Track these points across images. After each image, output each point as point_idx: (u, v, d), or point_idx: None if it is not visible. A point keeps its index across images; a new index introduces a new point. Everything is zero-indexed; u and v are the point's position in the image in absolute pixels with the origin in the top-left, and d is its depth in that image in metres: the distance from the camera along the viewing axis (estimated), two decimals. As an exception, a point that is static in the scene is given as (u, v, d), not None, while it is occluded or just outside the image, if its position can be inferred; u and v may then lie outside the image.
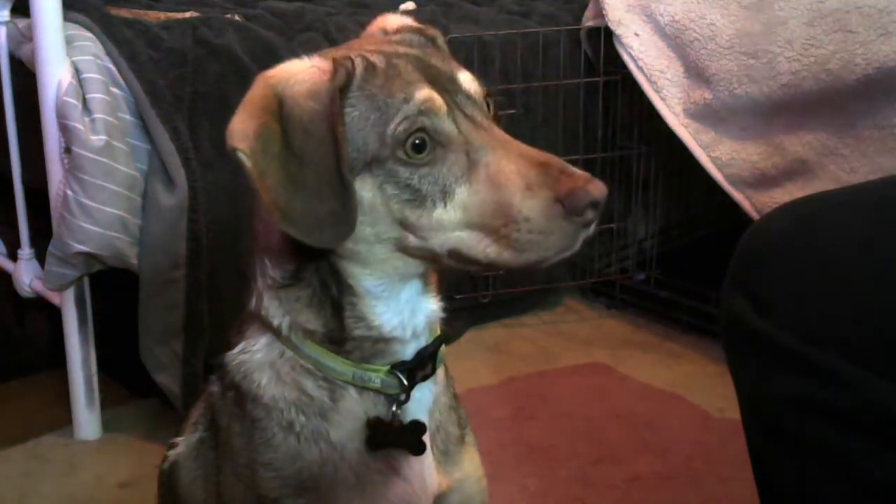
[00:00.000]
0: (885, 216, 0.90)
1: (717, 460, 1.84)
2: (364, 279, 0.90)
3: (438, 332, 0.99)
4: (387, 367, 0.93)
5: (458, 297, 2.40)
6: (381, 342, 0.93)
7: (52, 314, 2.02)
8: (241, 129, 0.83)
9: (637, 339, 2.47)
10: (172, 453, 1.10)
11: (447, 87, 0.87)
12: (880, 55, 1.93)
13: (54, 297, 1.91)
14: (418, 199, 0.84)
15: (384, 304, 0.92)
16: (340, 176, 0.82)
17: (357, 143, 0.84)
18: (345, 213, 0.83)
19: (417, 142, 0.84)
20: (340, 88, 0.84)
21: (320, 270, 0.91)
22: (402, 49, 0.91)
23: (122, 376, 2.17)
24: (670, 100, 2.29)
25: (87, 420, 1.95)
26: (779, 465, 0.95)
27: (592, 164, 2.56)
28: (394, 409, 0.94)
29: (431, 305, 0.96)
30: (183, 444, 1.09)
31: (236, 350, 0.98)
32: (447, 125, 0.85)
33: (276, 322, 0.94)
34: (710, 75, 2.19)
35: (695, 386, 2.17)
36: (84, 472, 1.85)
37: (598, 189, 0.82)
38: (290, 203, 0.82)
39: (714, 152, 2.24)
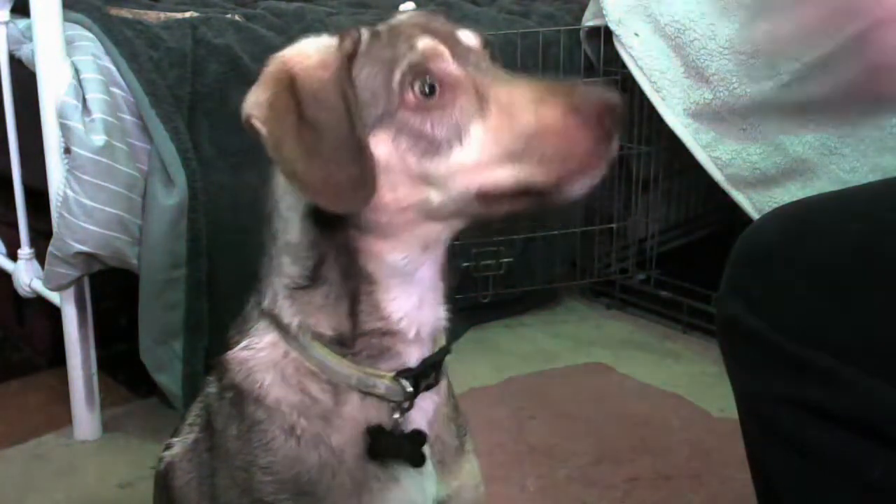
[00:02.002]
0: (880, 218, 0.90)
1: (717, 460, 1.84)
2: (386, 257, 0.90)
3: (443, 343, 0.99)
4: (392, 374, 0.93)
5: (458, 297, 2.40)
6: (388, 336, 0.92)
7: (52, 314, 2.02)
8: (255, 99, 0.86)
9: (637, 339, 2.47)
10: (167, 454, 1.09)
11: (448, 40, 0.89)
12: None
13: (54, 297, 1.91)
14: (434, 145, 0.84)
15: (399, 287, 0.91)
16: (356, 139, 0.83)
17: (367, 100, 0.85)
18: (363, 175, 0.83)
19: (426, 86, 0.85)
20: (348, 56, 0.86)
21: (340, 259, 0.90)
22: (405, 19, 0.94)
23: (122, 376, 2.18)
24: (670, 100, 2.29)
25: (87, 420, 1.95)
26: (776, 466, 0.95)
27: (592, 164, 2.56)
28: (396, 416, 0.93)
29: (439, 309, 0.96)
30: (178, 445, 1.08)
31: (238, 348, 0.97)
32: (452, 67, 0.86)
33: (286, 321, 0.93)
34: (710, 75, 2.19)
35: (695, 386, 2.17)
36: (84, 472, 1.85)
37: (612, 95, 0.81)
38: (308, 172, 0.83)
39: (714, 152, 2.24)
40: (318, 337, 0.92)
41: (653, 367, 2.29)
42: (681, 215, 2.87)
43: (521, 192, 0.84)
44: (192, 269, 1.78)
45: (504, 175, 0.84)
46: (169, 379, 1.85)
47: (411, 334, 0.93)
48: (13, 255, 2.05)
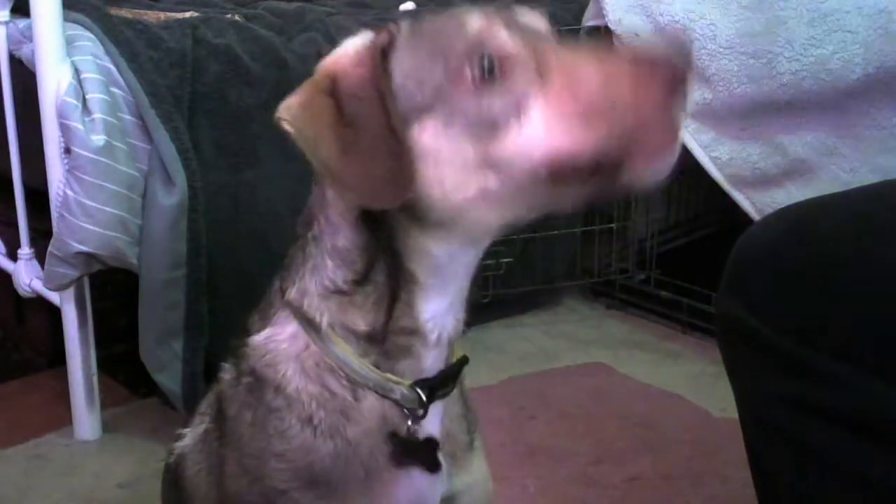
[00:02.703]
0: (879, 219, 0.90)
1: (717, 460, 1.84)
2: (433, 249, 0.88)
3: (461, 353, 1.00)
4: (409, 382, 0.93)
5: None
6: (412, 334, 0.92)
7: (52, 314, 2.02)
8: (287, 102, 0.85)
9: (637, 339, 2.47)
10: (178, 445, 1.09)
11: (505, 19, 0.84)
12: (880, 55, 1.93)
13: (54, 297, 1.91)
14: (493, 126, 0.79)
15: (435, 289, 0.91)
16: (393, 132, 0.80)
17: (410, 90, 0.82)
18: (401, 168, 0.80)
19: (484, 64, 0.79)
20: (383, 49, 0.84)
21: (388, 262, 0.89)
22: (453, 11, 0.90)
23: (122, 376, 2.18)
24: (670, 100, 2.29)
25: (87, 420, 1.95)
26: (777, 467, 0.95)
27: (592, 164, 2.56)
28: (409, 423, 0.93)
29: (461, 314, 0.96)
30: (189, 435, 1.08)
31: (261, 336, 0.96)
32: (510, 44, 0.81)
33: (316, 318, 0.92)
34: (710, 75, 2.19)
35: (695, 386, 2.17)
36: (84, 472, 1.85)
37: (684, 49, 0.78)
38: (345, 169, 0.82)
39: (714, 152, 2.24)
40: (348, 332, 0.91)
41: (653, 367, 2.29)
42: (681, 215, 2.87)
43: (592, 169, 0.78)
44: (192, 269, 1.78)
45: (573, 146, 0.78)
46: (169, 379, 1.85)
47: (433, 337, 0.93)
48: (13, 255, 2.05)
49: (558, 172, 0.79)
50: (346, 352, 0.92)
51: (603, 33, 2.41)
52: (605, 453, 1.90)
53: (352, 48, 0.87)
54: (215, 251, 1.81)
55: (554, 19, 2.71)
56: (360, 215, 0.88)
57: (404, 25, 0.87)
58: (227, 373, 1.01)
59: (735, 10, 2.18)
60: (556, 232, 2.52)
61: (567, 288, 2.69)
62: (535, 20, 0.87)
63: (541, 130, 0.79)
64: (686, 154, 2.30)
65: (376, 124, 0.81)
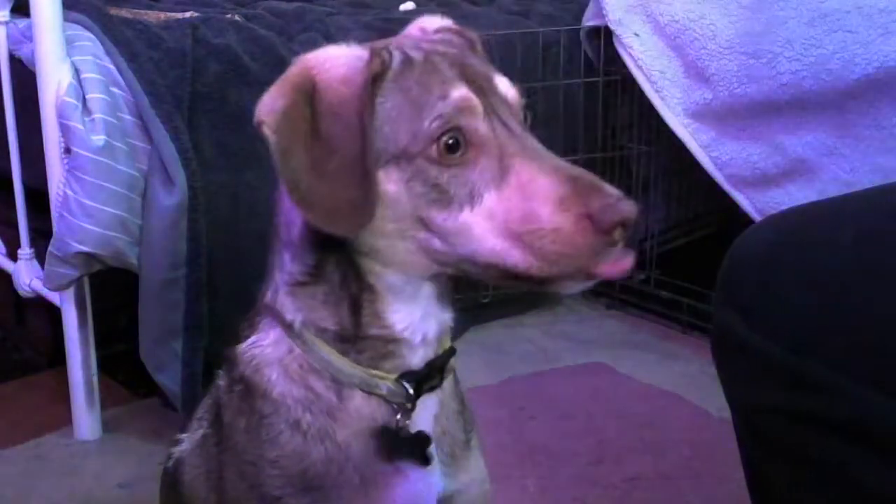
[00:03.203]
0: (872, 226, 0.89)
1: (717, 460, 1.84)
2: (386, 277, 0.89)
3: (448, 344, 0.99)
4: (395, 376, 0.93)
5: (458, 297, 2.39)
6: (392, 342, 0.92)
7: (52, 314, 2.02)
8: (271, 104, 0.84)
9: (637, 339, 2.47)
10: (177, 450, 1.09)
11: (484, 88, 0.86)
12: (880, 55, 1.93)
13: (54, 297, 1.91)
14: (445, 199, 0.82)
15: (401, 304, 0.91)
16: (364, 165, 0.81)
17: (386, 134, 0.83)
18: (364, 202, 0.82)
19: (451, 141, 0.82)
20: (374, 77, 0.84)
21: (341, 266, 0.90)
22: (440, 48, 0.89)
23: (122, 376, 2.18)
24: (670, 100, 2.29)
25: (87, 420, 1.95)
26: (772, 477, 0.95)
27: (592, 164, 2.56)
28: (398, 417, 0.93)
29: (445, 313, 0.96)
30: (187, 440, 1.08)
31: (247, 343, 0.97)
32: (483, 127, 0.84)
33: (289, 317, 0.93)
34: (710, 75, 2.19)
35: (695, 386, 2.17)
36: (84, 472, 1.85)
37: (629, 208, 0.80)
38: (311, 186, 0.82)
39: (714, 152, 2.24)
40: (321, 333, 0.92)
41: (653, 367, 2.29)
42: (681, 215, 2.86)
43: (516, 274, 0.83)
44: (192, 269, 1.78)
45: (503, 254, 0.82)
46: (169, 379, 1.85)
47: (416, 341, 0.93)
48: (13, 255, 2.05)
49: (487, 265, 0.84)
50: (329, 351, 0.92)
51: (603, 33, 2.41)
52: (605, 453, 1.90)
53: (342, 60, 0.86)
54: (215, 251, 1.81)
55: (554, 19, 2.71)
56: None
57: (397, 58, 0.86)
58: (221, 379, 1.01)
59: (735, 10, 2.18)
60: (556, 232, 2.52)
61: (567, 288, 2.69)
62: (509, 90, 0.89)
63: (481, 226, 0.82)
64: (686, 154, 2.30)
65: (350, 151, 0.82)
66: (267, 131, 0.83)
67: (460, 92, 0.84)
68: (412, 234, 0.85)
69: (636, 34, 2.33)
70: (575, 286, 0.84)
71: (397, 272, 0.89)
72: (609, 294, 2.66)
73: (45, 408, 2.07)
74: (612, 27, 2.35)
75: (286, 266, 0.93)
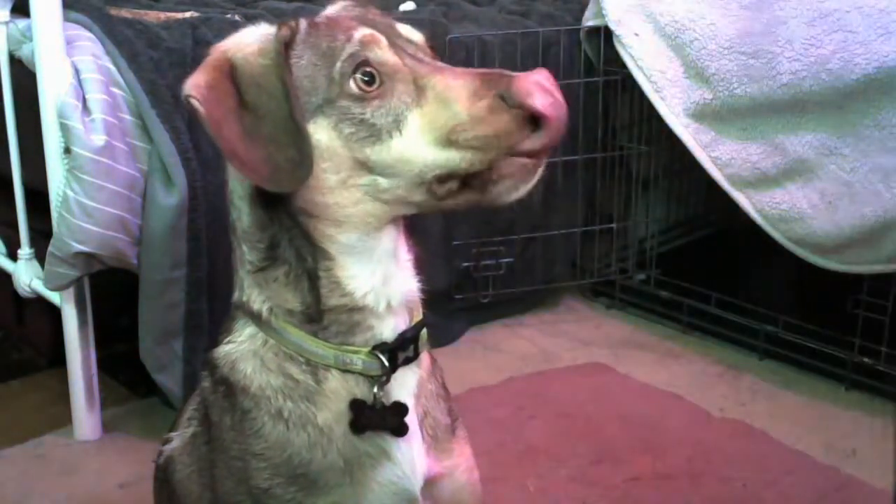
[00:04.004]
0: None
1: (717, 460, 1.84)
2: (337, 236, 0.92)
3: (420, 316, 1.00)
4: (367, 349, 0.94)
5: (458, 297, 2.40)
6: (356, 312, 0.94)
7: (52, 314, 2.02)
8: (195, 80, 0.89)
9: (637, 339, 2.47)
10: (167, 448, 1.12)
11: (387, 31, 0.92)
12: (880, 55, 1.93)
13: (54, 297, 1.91)
14: (374, 133, 0.87)
15: (357, 266, 0.93)
16: (294, 123, 0.86)
17: (307, 88, 0.88)
18: (301, 157, 0.86)
19: (366, 77, 0.87)
20: (285, 43, 0.89)
21: (294, 241, 0.93)
22: (343, 13, 0.97)
23: (122, 376, 2.18)
24: (670, 100, 2.29)
25: (87, 420, 1.95)
26: None
27: (592, 164, 2.57)
28: (375, 390, 0.95)
29: (408, 281, 0.97)
30: (177, 438, 1.10)
31: (223, 345, 1.00)
32: (390, 56, 0.89)
33: (256, 307, 0.96)
34: (710, 75, 2.19)
35: (695, 386, 2.17)
36: (84, 472, 1.85)
37: (536, 77, 0.84)
38: (248, 152, 0.86)
39: (714, 152, 2.24)
40: (288, 314, 0.95)
41: (653, 367, 2.29)
42: (681, 215, 2.87)
43: (461, 182, 0.87)
44: (192, 269, 1.78)
45: (440, 160, 0.86)
46: (169, 379, 1.85)
47: (381, 308, 0.95)
48: (13, 255, 2.05)
49: (430, 182, 0.88)
50: (300, 336, 0.95)
51: (603, 33, 2.41)
52: (605, 453, 1.90)
53: (252, 38, 0.91)
54: (215, 251, 1.81)
55: (554, 19, 2.71)
56: (253, 195, 0.93)
57: (303, 23, 0.92)
58: (205, 381, 1.03)
59: (735, 10, 2.18)
60: (556, 232, 2.52)
61: (567, 288, 2.69)
62: (413, 34, 0.95)
63: (412, 144, 0.87)
64: (686, 154, 2.30)
65: (278, 114, 0.87)
66: (195, 103, 0.87)
67: (362, 30, 0.90)
68: (355, 182, 0.89)
69: (636, 34, 2.33)
70: (516, 184, 0.87)
71: (349, 230, 0.91)
72: (609, 294, 2.66)
73: (45, 408, 2.07)
74: (612, 27, 2.35)
75: (245, 257, 0.96)
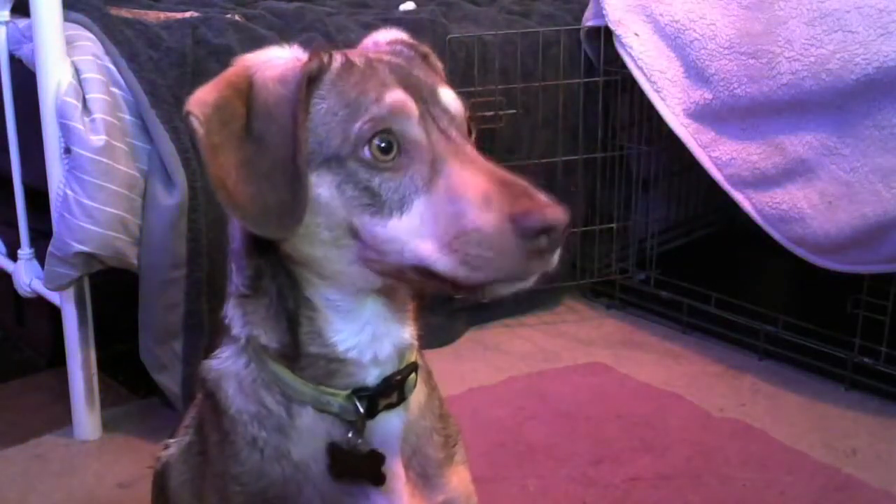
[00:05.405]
0: None
1: (717, 460, 1.84)
2: (322, 290, 0.87)
3: (412, 360, 0.95)
4: (347, 392, 0.90)
5: (458, 297, 2.40)
6: (335, 362, 0.89)
7: (52, 314, 2.02)
8: (202, 96, 0.83)
9: (637, 339, 2.47)
10: (164, 454, 1.10)
11: (425, 97, 0.84)
12: (880, 55, 1.93)
13: (54, 297, 1.91)
14: (376, 204, 0.81)
15: (343, 322, 0.88)
16: (296, 166, 0.80)
17: (320, 136, 0.82)
18: (293, 204, 0.80)
19: (383, 144, 0.81)
20: (311, 78, 0.83)
21: (278, 279, 0.88)
22: (386, 57, 0.88)
23: (122, 376, 2.18)
24: (670, 100, 2.29)
25: (87, 420, 1.95)
26: None
27: (592, 164, 2.57)
28: (350, 435, 0.90)
29: (402, 332, 0.92)
30: (175, 446, 1.09)
31: (212, 359, 0.97)
32: (416, 131, 0.82)
33: (235, 332, 0.92)
34: (710, 75, 2.19)
35: (695, 386, 2.17)
36: (84, 472, 1.85)
37: (555, 214, 0.76)
38: (239, 185, 0.80)
39: (714, 152, 2.24)
40: (263, 350, 0.90)
41: (653, 367, 2.29)
42: (681, 215, 2.87)
43: (450, 282, 0.80)
44: (192, 269, 1.78)
45: (434, 262, 0.79)
46: (169, 379, 1.85)
47: (366, 360, 0.90)
48: (13, 255, 2.05)
49: (418, 272, 0.81)
50: (279, 368, 0.90)
51: (603, 33, 2.41)
52: (605, 453, 1.90)
53: (280, 60, 0.85)
54: (215, 251, 1.81)
55: (554, 19, 2.71)
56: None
57: (337, 61, 0.85)
58: (199, 391, 1.01)
59: (735, 10, 2.18)
60: (556, 232, 2.52)
61: (567, 288, 2.69)
62: (453, 103, 0.87)
63: (411, 232, 0.80)
64: (686, 154, 2.30)
65: (282, 151, 0.80)
66: (194, 123, 0.81)
67: (395, 95, 0.82)
68: (346, 244, 0.83)
69: (636, 34, 2.33)
70: (505, 288, 0.81)
71: (335, 286, 0.87)
72: (609, 294, 2.66)
73: (45, 408, 2.07)
74: (612, 27, 2.35)
75: (234, 277, 0.92)
